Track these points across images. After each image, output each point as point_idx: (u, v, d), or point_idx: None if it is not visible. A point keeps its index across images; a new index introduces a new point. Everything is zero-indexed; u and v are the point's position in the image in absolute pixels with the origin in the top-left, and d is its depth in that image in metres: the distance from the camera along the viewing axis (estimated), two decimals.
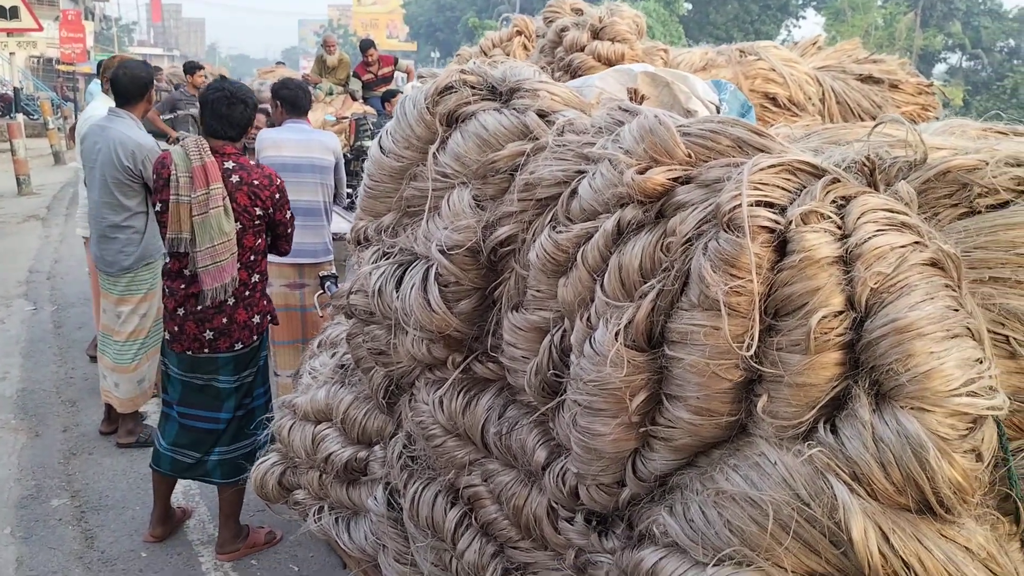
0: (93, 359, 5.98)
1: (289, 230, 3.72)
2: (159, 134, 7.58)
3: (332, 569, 3.78)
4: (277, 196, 3.57)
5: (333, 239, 5.25)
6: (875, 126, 1.52)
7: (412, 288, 1.80)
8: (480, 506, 1.76)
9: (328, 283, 3.77)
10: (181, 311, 3.55)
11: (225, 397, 3.64)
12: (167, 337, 3.64)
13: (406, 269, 1.89)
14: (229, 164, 3.48)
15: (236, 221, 3.45)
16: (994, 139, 1.71)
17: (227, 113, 3.50)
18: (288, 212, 3.67)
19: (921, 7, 44.05)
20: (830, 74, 4.37)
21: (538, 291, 1.62)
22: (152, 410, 5.44)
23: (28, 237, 10.84)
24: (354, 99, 10.66)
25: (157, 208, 3.57)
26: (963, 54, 48.29)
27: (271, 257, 5.01)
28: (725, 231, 1.27)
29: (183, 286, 3.52)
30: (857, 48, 4.73)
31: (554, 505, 1.60)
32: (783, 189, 1.31)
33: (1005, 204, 1.42)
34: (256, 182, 3.50)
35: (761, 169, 1.31)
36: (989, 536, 1.19)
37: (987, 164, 1.44)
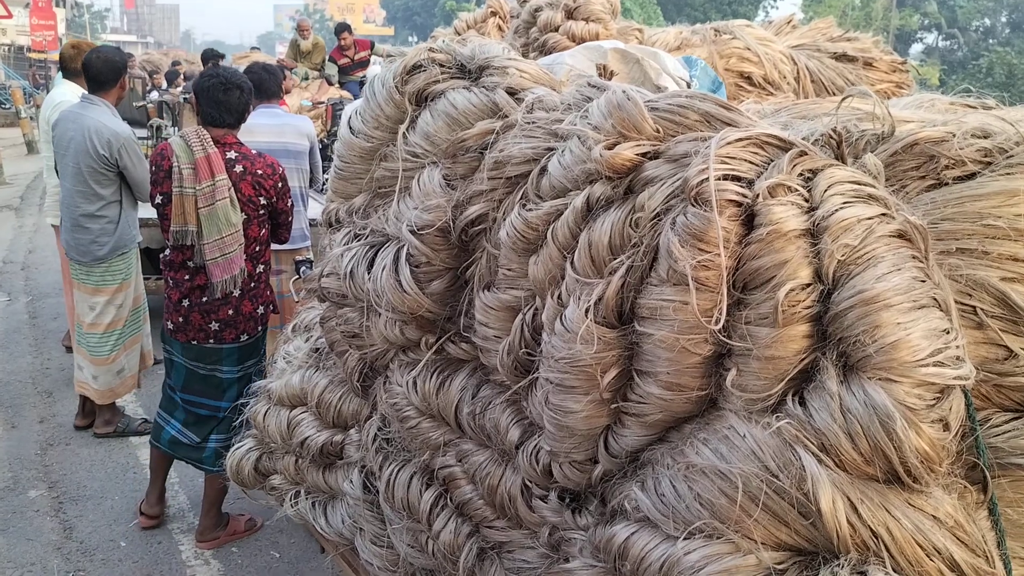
0: (69, 350, 5.91)
1: (289, 218, 3.69)
2: (134, 121, 7.46)
3: (312, 555, 3.77)
4: (280, 185, 3.54)
5: (311, 225, 5.21)
6: (843, 99, 1.52)
7: (384, 269, 1.79)
8: (455, 487, 1.76)
9: (303, 268, 3.74)
10: (186, 302, 3.51)
11: (227, 387, 3.63)
12: (170, 327, 3.60)
13: (378, 250, 1.87)
14: (232, 154, 3.45)
15: (242, 212, 3.41)
16: (962, 112, 1.71)
17: (224, 100, 3.45)
18: (289, 200, 3.64)
19: None
20: (805, 53, 4.37)
21: (509, 270, 1.61)
22: (131, 399, 5.41)
23: (1, 228, 10.69)
24: (330, 84, 10.57)
25: (158, 200, 3.50)
26: (939, 34, 48.55)
27: None
28: (693, 205, 1.27)
29: (187, 277, 3.48)
30: (831, 27, 4.73)
31: (528, 484, 1.59)
32: (750, 163, 1.30)
33: (972, 176, 1.43)
34: (260, 171, 3.47)
35: (728, 143, 1.30)
36: (957, 505, 1.20)
37: (954, 136, 1.44)
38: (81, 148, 4.36)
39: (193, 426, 3.71)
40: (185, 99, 8.24)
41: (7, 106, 21.40)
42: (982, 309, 1.32)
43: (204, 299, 3.45)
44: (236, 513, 4.00)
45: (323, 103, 9.86)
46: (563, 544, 1.50)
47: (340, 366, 2.14)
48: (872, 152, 1.45)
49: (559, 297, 1.47)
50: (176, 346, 3.62)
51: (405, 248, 1.77)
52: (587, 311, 1.36)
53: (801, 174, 1.29)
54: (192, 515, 4.11)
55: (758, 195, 1.25)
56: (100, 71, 4.48)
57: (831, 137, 1.35)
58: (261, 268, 3.61)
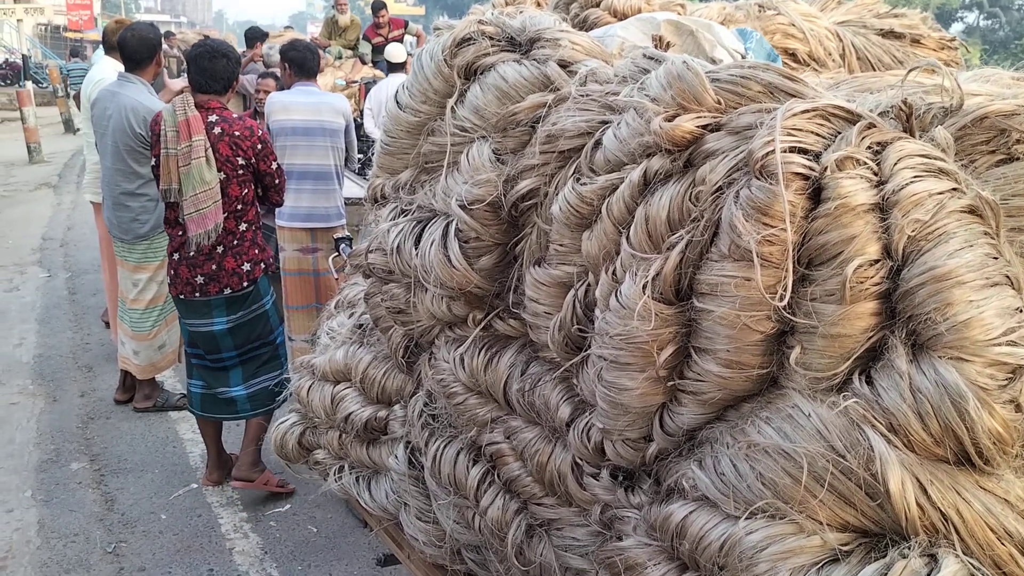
0: (107, 325, 6.00)
1: (277, 181, 3.86)
2: None
3: (350, 530, 3.81)
4: (259, 147, 3.73)
5: (346, 203, 5.21)
6: (909, 72, 1.47)
7: (432, 245, 1.77)
8: (503, 463, 1.75)
9: (343, 245, 3.77)
10: (176, 256, 3.80)
11: (220, 337, 3.85)
12: (168, 283, 3.91)
13: (425, 226, 1.86)
14: (213, 117, 3.67)
15: (220, 171, 3.63)
16: None
17: (209, 67, 3.68)
18: (273, 163, 3.81)
19: None
20: (850, 29, 4.25)
21: (561, 245, 1.59)
22: (170, 375, 5.48)
23: (40, 205, 10.86)
24: (363, 63, 10.54)
25: (152, 163, 3.77)
26: (980, 12, 47.41)
27: (285, 222, 5.00)
28: (757, 179, 1.23)
29: (180, 233, 3.74)
30: (877, 3, 4.61)
31: (578, 461, 1.58)
32: (817, 135, 1.27)
33: None
34: (237, 133, 3.67)
35: (794, 115, 1.26)
36: None
37: None
38: (119, 127, 4.39)
39: (210, 379, 3.95)
40: None
41: (44, 85, 21.68)
42: None
43: (191, 253, 3.72)
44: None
45: (356, 82, 9.85)
46: (616, 522, 1.48)
47: (384, 342, 2.13)
48: (940, 125, 1.40)
49: (614, 273, 1.44)
50: (172, 302, 3.96)
51: (454, 223, 1.75)
52: (644, 287, 1.34)
53: (870, 147, 1.25)
54: (231, 489, 4.16)
55: (825, 168, 1.22)
56: (136, 49, 4.52)
57: (900, 109, 1.31)
58: (244, 226, 3.81)
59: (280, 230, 5.03)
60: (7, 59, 26.32)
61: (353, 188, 5.65)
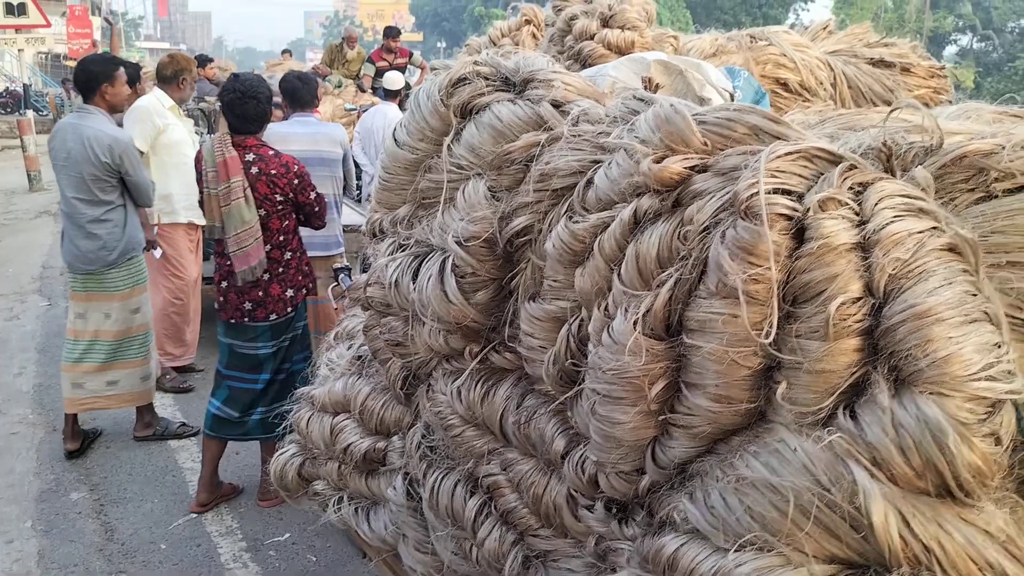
0: None
1: (317, 208, 4.07)
2: None
3: (349, 559, 3.82)
4: (296, 182, 3.91)
5: (344, 231, 5.27)
6: (891, 111, 1.52)
7: (429, 279, 1.81)
8: (499, 495, 1.78)
9: (342, 275, 3.82)
10: (224, 284, 3.97)
11: (264, 360, 4.04)
12: (216, 307, 4.07)
13: (422, 261, 1.90)
14: (250, 156, 3.86)
15: (260, 208, 3.83)
16: (1010, 123, 1.70)
17: (241, 111, 3.88)
18: (312, 193, 4.01)
19: None
20: (841, 58, 4.34)
21: (555, 281, 1.63)
22: (169, 402, 5.50)
23: (40, 233, 10.91)
24: (362, 91, 10.64)
25: (199, 198, 4.05)
26: (974, 35, 47.86)
27: None
28: (743, 219, 1.28)
29: (228, 263, 3.91)
30: (868, 32, 4.69)
31: (573, 493, 1.61)
32: (800, 176, 1.31)
33: (1022, 188, 1.42)
34: (273, 171, 3.85)
35: (778, 156, 1.31)
36: (1008, 519, 1.19)
37: (1003, 148, 1.44)
38: (82, 157, 4.47)
39: (231, 402, 4.07)
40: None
41: (44, 112, 21.82)
42: None
43: (238, 283, 3.90)
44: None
45: (355, 109, 9.94)
46: (610, 554, 1.51)
47: (383, 374, 2.17)
48: (921, 165, 1.45)
49: (606, 309, 1.48)
50: (221, 325, 4.08)
51: (450, 259, 1.79)
52: (635, 323, 1.38)
53: (852, 187, 1.30)
54: (231, 518, 4.18)
55: (808, 209, 1.26)
56: (79, 81, 4.67)
57: (881, 150, 1.35)
58: (289, 255, 4.01)
59: None
60: (8, 87, 26.52)
61: (351, 215, 5.70)
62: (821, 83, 4.19)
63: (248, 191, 3.78)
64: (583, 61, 3.97)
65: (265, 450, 4.19)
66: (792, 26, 4.67)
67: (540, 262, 1.67)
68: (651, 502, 1.46)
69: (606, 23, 3.91)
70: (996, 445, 1.17)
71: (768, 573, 1.16)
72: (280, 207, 3.89)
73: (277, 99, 6.73)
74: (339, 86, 10.52)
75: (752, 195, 1.26)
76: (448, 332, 1.84)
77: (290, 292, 4.01)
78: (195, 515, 4.20)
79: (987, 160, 1.43)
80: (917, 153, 1.49)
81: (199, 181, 3.93)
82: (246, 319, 3.97)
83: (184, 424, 5.15)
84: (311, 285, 4.17)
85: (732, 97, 2.11)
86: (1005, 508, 1.20)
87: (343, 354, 2.43)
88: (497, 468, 1.78)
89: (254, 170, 3.82)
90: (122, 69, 4.70)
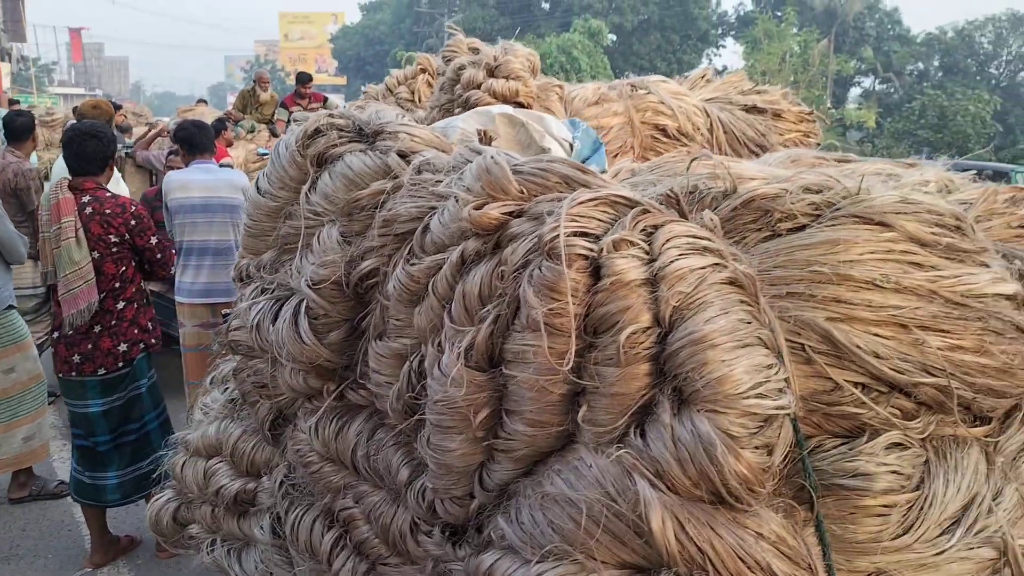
0: None
1: (159, 256, 3.91)
2: None
3: None
4: (132, 223, 3.80)
5: None
6: (692, 161, 1.69)
7: (285, 322, 1.90)
8: (354, 527, 1.86)
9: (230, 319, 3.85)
10: (56, 334, 3.86)
11: (95, 420, 3.86)
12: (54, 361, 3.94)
13: (282, 304, 1.98)
14: (86, 198, 3.78)
15: (93, 250, 3.72)
16: (807, 168, 1.89)
17: (80, 150, 3.79)
18: (152, 238, 3.87)
19: (834, 34, 45.93)
20: (717, 105, 4.62)
21: (398, 320, 1.73)
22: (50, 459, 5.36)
23: None
24: (275, 136, 10.66)
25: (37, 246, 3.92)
26: (875, 78, 50.44)
27: (184, 298, 5.04)
28: (547, 259, 1.41)
29: (60, 312, 3.80)
30: (743, 80, 5.00)
31: (416, 520, 1.70)
32: (599, 220, 1.45)
33: (803, 227, 1.59)
34: (108, 211, 3.76)
35: (580, 203, 1.45)
36: (783, 522, 1.33)
37: (788, 192, 1.61)
38: None
39: (83, 461, 3.96)
40: (127, 153, 8.29)
41: None
42: (809, 346, 1.47)
43: (69, 331, 3.77)
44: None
45: (267, 154, 9.95)
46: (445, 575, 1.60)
47: (253, 416, 2.23)
48: (717, 207, 1.62)
49: (439, 344, 1.59)
50: (60, 384, 3.97)
51: (304, 301, 1.88)
52: (459, 356, 1.49)
53: (644, 229, 1.44)
54: (127, 570, 4.12)
55: (603, 249, 1.40)
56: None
57: (669, 196, 1.51)
58: (123, 304, 3.83)
59: (180, 306, 5.05)
60: None
61: None
62: (698, 128, 4.45)
63: (80, 232, 3.68)
64: (471, 108, 4.14)
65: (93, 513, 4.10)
66: (706, 68, 4.99)
67: (386, 302, 1.78)
68: (481, 523, 1.57)
69: (492, 73, 4.09)
70: (768, 456, 1.32)
71: None
72: (115, 249, 3.77)
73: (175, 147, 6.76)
74: (252, 131, 10.52)
75: (554, 237, 1.40)
76: (305, 372, 1.93)
77: (123, 346, 3.83)
78: (89, 570, 4.11)
79: (773, 203, 1.61)
80: (716, 197, 1.66)
81: (36, 229, 3.90)
82: (74, 373, 3.82)
83: (62, 483, 4.94)
84: (152, 341, 3.98)
85: (571, 147, 2.28)
86: (779, 512, 1.34)
87: (217, 398, 2.48)
88: (351, 501, 1.86)
89: (88, 210, 3.74)
90: None
